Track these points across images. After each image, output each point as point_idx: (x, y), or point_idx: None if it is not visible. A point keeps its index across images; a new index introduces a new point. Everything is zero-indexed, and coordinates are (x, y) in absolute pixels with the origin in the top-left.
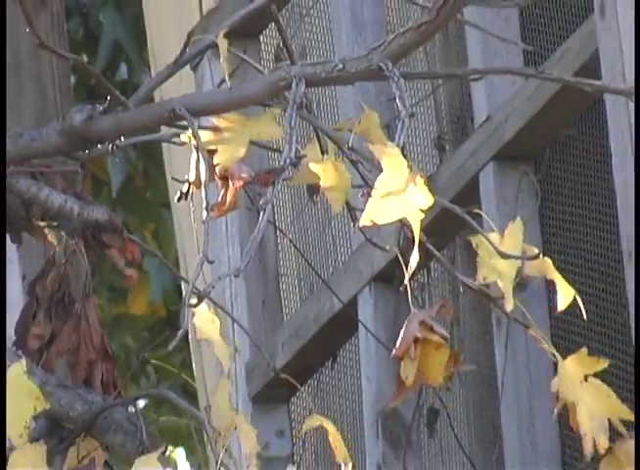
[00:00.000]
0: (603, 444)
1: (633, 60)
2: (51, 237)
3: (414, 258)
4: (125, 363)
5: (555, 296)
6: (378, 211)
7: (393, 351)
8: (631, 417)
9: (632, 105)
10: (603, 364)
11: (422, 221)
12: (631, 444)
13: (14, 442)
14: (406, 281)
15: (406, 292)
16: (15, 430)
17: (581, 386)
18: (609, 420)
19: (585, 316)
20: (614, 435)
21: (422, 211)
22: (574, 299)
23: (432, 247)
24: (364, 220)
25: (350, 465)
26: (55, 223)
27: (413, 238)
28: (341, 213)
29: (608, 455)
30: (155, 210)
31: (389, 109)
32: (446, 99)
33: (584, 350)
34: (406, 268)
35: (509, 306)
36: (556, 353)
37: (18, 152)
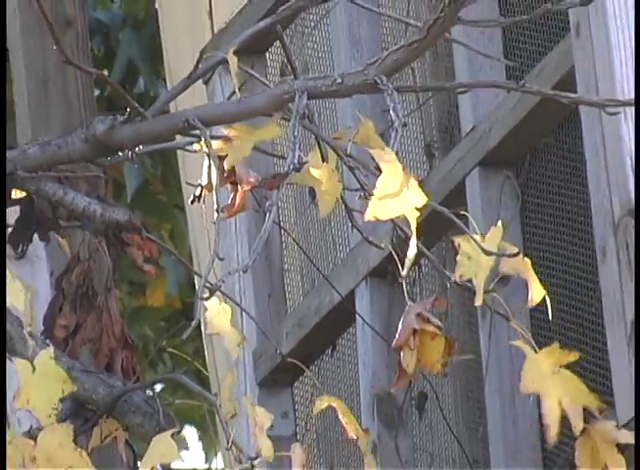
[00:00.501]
0: (578, 427)
1: (606, 74)
2: (67, 241)
3: (412, 251)
4: (144, 351)
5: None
6: (380, 209)
7: (394, 341)
8: (597, 404)
9: (605, 115)
10: (574, 357)
11: (417, 219)
12: (604, 424)
13: (42, 422)
14: (403, 274)
15: (399, 286)
16: (43, 411)
17: (552, 377)
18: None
19: (560, 310)
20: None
21: (417, 209)
22: (550, 295)
23: (422, 246)
24: (368, 216)
25: (364, 435)
26: (79, 223)
27: (406, 237)
28: (336, 215)
29: (583, 435)
30: (170, 211)
31: (384, 119)
32: (435, 110)
33: (556, 344)
34: (400, 265)
35: (478, 301)
36: (532, 344)
37: (45, 158)
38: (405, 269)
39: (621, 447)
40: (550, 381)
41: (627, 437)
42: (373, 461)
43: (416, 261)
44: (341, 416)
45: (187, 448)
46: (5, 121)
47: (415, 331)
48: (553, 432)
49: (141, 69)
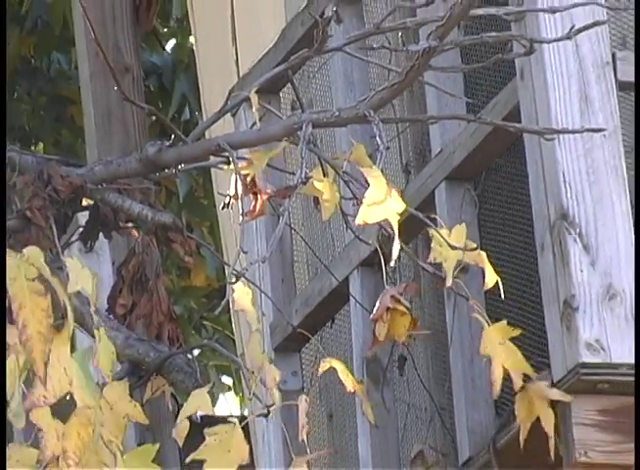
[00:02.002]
0: (517, 384)
1: (544, 109)
2: (137, 234)
3: (395, 247)
4: (189, 320)
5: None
6: (367, 215)
7: (372, 314)
8: (530, 371)
9: (543, 141)
10: (516, 332)
11: (398, 221)
12: (539, 384)
13: (107, 379)
14: (391, 265)
15: (384, 273)
16: (105, 371)
17: (499, 346)
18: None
19: (508, 291)
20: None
21: (398, 213)
22: (501, 280)
23: (401, 242)
24: (358, 220)
25: (359, 388)
26: (135, 225)
27: (389, 236)
28: (334, 218)
29: (522, 391)
30: (210, 211)
31: (372, 144)
32: (411, 137)
33: (504, 321)
34: (384, 258)
35: (449, 282)
36: (486, 318)
37: (108, 174)
38: (392, 261)
39: (553, 403)
40: (498, 349)
41: (557, 394)
42: (368, 404)
43: (399, 254)
44: (340, 374)
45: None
46: (5, 123)
47: (388, 309)
48: (497, 386)
49: (190, 102)
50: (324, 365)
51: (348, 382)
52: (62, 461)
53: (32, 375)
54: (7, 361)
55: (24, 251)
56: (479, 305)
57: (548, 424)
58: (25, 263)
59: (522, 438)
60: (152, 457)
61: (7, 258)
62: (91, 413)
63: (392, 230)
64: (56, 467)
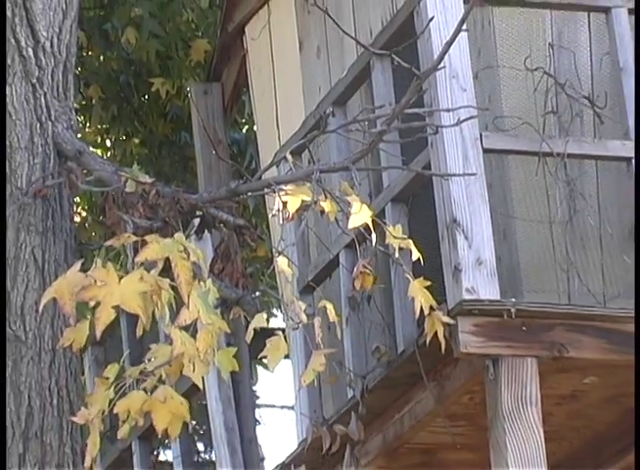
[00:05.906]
0: (426, 310)
1: (442, 163)
2: (225, 230)
3: (373, 237)
4: (257, 274)
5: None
6: (354, 221)
7: (352, 275)
8: (435, 305)
9: (443, 181)
10: (428, 283)
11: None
12: (438, 313)
13: (203, 321)
14: (374, 246)
15: (357, 251)
16: (205, 317)
17: (420, 291)
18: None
19: (426, 262)
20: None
21: (371, 217)
22: (423, 254)
23: (367, 235)
24: (350, 226)
25: (337, 319)
26: (224, 225)
27: (359, 231)
28: (331, 221)
29: (429, 316)
30: (266, 217)
31: (352, 182)
32: (372, 178)
33: (421, 278)
34: (357, 243)
35: (396, 255)
36: (411, 276)
37: (210, 198)
38: (374, 244)
39: (449, 323)
40: (418, 292)
41: (447, 319)
42: (340, 326)
43: (365, 240)
44: (328, 311)
45: (276, 316)
46: (5, 124)
47: (361, 272)
48: (417, 312)
49: (255, 159)
50: (320, 304)
51: (332, 315)
52: (186, 358)
53: (176, 307)
54: (159, 299)
55: (175, 235)
56: (407, 269)
57: (440, 334)
58: (176, 242)
59: (427, 340)
60: (232, 354)
61: (161, 240)
62: (211, 327)
63: (368, 229)
64: (181, 360)
